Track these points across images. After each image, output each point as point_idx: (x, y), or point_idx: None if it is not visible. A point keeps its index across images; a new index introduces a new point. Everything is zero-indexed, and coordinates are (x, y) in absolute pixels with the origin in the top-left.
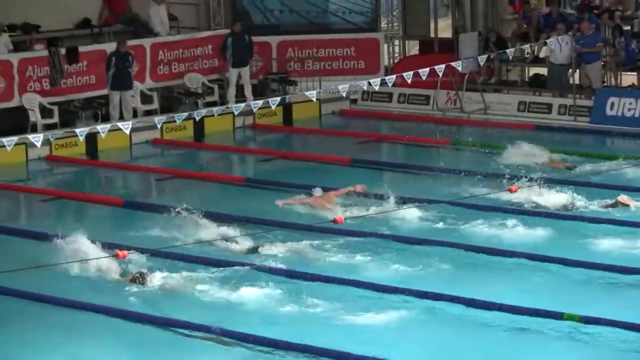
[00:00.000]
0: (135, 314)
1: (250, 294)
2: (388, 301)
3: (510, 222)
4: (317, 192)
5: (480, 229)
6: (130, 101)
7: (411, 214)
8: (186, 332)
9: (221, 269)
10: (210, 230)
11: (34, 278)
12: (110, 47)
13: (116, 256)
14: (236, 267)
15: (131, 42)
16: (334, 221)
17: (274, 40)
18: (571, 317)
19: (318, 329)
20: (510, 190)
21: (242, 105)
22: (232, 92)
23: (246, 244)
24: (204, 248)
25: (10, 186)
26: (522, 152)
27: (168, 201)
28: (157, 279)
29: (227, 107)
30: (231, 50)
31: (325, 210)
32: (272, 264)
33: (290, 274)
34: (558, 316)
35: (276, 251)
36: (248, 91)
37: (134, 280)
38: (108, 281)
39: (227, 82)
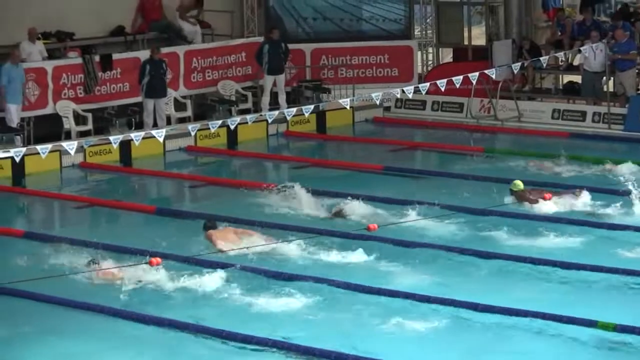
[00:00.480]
0: (149, 317)
1: (278, 301)
2: (419, 310)
3: (544, 229)
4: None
5: (513, 237)
6: (164, 109)
7: (442, 222)
8: (214, 339)
9: (251, 276)
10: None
11: (58, 283)
12: (144, 54)
13: (150, 263)
14: (265, 275)
15: (165, 50)
16: (368, 228)
17: (307, 47)
18: (605, 326)
19: (348, 336)
20: (544, 198)
21: (276, 112)
22: (266, 99)
23: (278, 250)
24: (234, 255)
25: (44, 193)
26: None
27: (201, 208)
28: (185, 284)
29: (261, 115)
30: (267, 57)
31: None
32: (302, 271)
33: (321, 281)
34: (592, 324)
35: (307, 258)
36: (282, 99)
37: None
38: (143, 288)
39: (261, 89)
